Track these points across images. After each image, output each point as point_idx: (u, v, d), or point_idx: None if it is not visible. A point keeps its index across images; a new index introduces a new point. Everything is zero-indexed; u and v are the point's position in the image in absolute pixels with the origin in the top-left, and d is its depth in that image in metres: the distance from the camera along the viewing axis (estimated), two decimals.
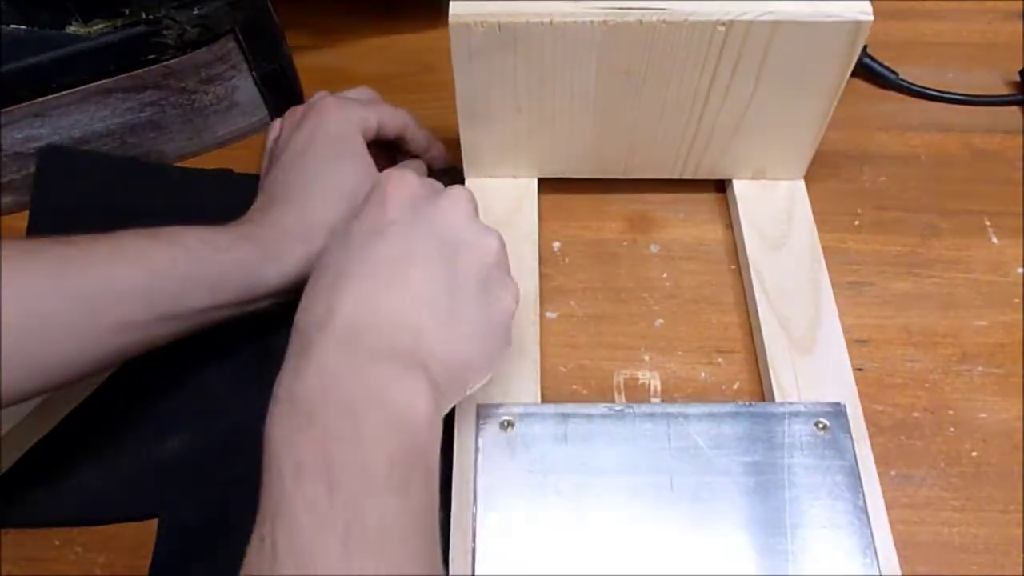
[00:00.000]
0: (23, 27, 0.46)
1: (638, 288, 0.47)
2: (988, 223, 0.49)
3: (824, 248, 0.46)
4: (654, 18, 0.38)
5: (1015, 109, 0.55)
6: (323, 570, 0.26)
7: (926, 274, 0.47)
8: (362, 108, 0.45)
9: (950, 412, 0.42)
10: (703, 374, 0.43)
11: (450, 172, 0.49)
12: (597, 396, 0.43)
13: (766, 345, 0.42)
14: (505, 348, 0.36)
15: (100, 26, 0.46)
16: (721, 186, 0.51)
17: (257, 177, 0.50)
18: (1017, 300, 0.46)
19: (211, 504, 0.39)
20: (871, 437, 0.39)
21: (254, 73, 0.52)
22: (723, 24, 0.38)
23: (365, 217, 0.34)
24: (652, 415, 0.39)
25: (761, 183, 0.49)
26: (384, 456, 0.28)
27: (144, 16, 0.46)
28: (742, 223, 0.47)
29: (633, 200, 0.50)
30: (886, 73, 0.56)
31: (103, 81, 0.47)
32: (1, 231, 0.49)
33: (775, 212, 0.48)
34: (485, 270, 0.34)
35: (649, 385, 0.43)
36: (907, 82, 0.56)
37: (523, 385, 0.41)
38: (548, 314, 0.45)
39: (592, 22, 0.38)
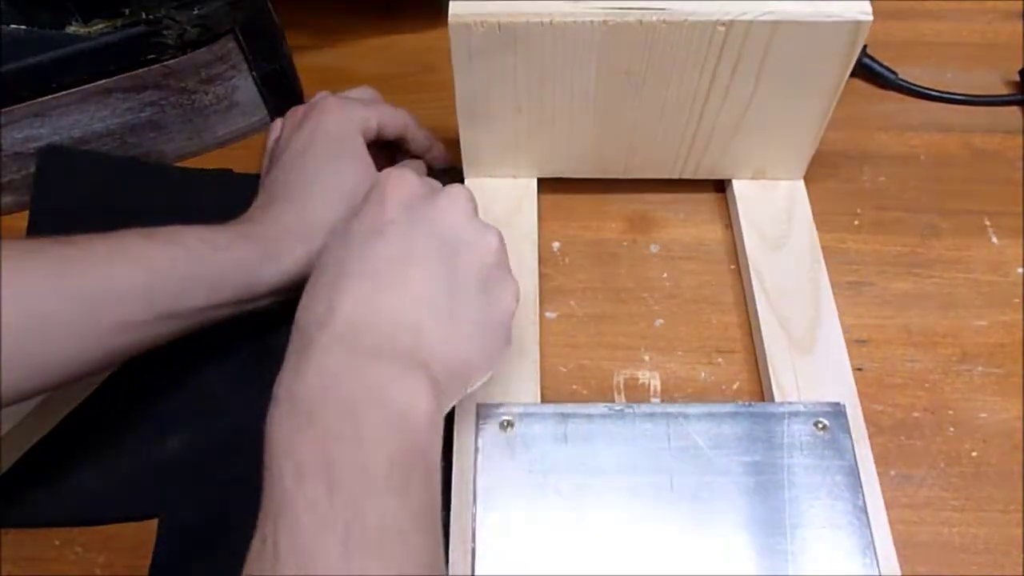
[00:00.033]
0: (23, 27, 0.46)
1: (638, 288, 0.47)
2: (988, 223, 0.49)
3: (824, 248, 0.46)
4: (654, 18, 0.38)
5: (1015, 109, 0.55)
6: (324, 570, 0.26)
7: (926, 274, 0.47)
8: (363, 108, 0.45)
9: (950, 412, 0.42)
10: (703, 374, 0.43)
11: (450, 172, 0.49)
12: (597, 396, 0.43)
13: (766, 345, 0.42)
14: (505, 347, 0.36)
15: (100, 26, 0.46)
16: (721, 186, 0.51)
17: (257, 177, 0.50)
18: (1017, 300, 0.46)
19: (211, 504, 0.39)
20: (871, 437, 0.39)
21: (254, 73, 0.52)
22: (723, 24, 0.38)
23: (364, 217, 0.34)
24: (652, 415, 0.39)
25: (761, 183, 0.49)
26: (384, 456, 0.28)
27: (144, 16, 0.46)
28: (742, 223, 0.47)
29: (633, 200, 0.50)
30: (886, 73, 0.56)
31: (103, 81, 0.47)
32: (1, 231, 0.49)
33: (775, 212, 0.48)
34: (485, 269, 0.34)
35: (649, 385, 0.43)
36: (907, 82, 0.56)
37: (523, 385, 0.41)
38: (548, 314, 0.45)
39: (592, 22, 0.38)
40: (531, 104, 0.43)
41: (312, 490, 0.27)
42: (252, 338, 0.43)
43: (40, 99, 0.46)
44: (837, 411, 0.39)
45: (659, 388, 0.43)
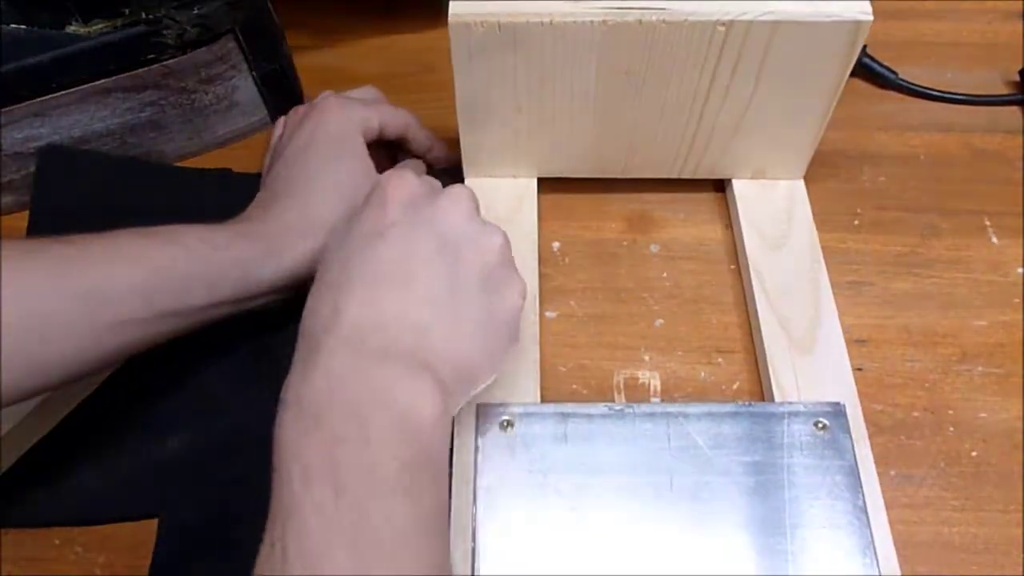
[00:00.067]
0: (23, 27, 0.46)
1: (638, 288, 0.47)
2: (988, 223, 0.49)
3: (824, 248, 0.46)
4: (654, 18, 0.38)
5: (1015, 109, 0.55)
6: (332, 572, 0.26)
7: (926, 274, 0.47)
8: (364, 108, 0.45)
9: (950, 412, 0.42)
10: (703, 374, 0.43)
11: (450, 172, 0.49)
12: (597, 396, 0.43)
13: (766, 345, 0.42)
14: (511, 345, 0.36)
15: (100, 26, 0.46)
16: (721, 186, 0.51)
17: (257, 176, 0.50)
18: (1017, 300, 0.46)
19: (211, 504, 0.39)
20: (871, 437, 0.39)
21: (254, 73, 0.52)
22: (723, 24, 0.38)
23: (366, 219, 0.34)
24: (652, 415, 0.39)
25: (761, 183, 0.49)
26: (391, 458, 0.28)
27: (144, 16, 0.46)
28: (742, 223, 0.47)
29: (633, 200, 0.50)
30: (886, 73, 0.56)
31: (103, 81, 0.47)
32: (1, 231, 0.49)
33: (775, 212, 0.48)
34: (488, 268, 0.34)
35: (649, 385, 0.43)
36: (907, 82, 0.56)
37: (523, 385, 0.41)
38: (548, 314, 0.45)
39: (592, 22, 0.38)
40: (531, 104, 0.43)
41: (319, 493, 0.27)
42: (252, 337, 0.43)
43: (40, 99, 0.46)
44: (837, 411, 0.39)
45: (659, 388, 0.43)
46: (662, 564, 0.35)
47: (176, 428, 0.41)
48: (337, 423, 0.28)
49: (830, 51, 0.40)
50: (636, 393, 0.43)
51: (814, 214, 0.48)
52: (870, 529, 0.36)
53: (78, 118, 0.48)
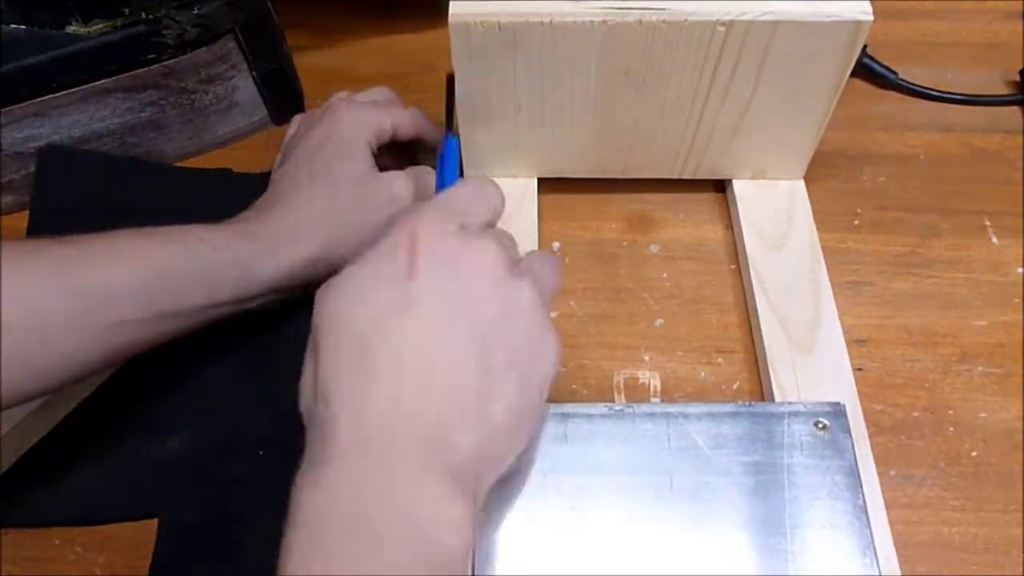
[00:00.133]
0: (23, 27, 0.46)
1: (638, 288, 0.47)
2: (988, 223, 0.49)
3: (824, 248, 0.46)
4: (654, 18, 0.38)
5: (1015, 109, 0.55)
6: None
7: (926, 274, 0.47)
8: (376, 112, 0.45)
9: (950, 412, 0.42)
10: (703, 374, 0.43)
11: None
12: (597, 396, 0.43)
13: (766, 345, 0.42)
14: (539, 421, 0.34)
15: (100, 26, 0.46)
16: (721, 186, 0.51)
17: (257, 176, 0.50)
18: (1017, 300, 0.46)
19: (211, 504, 0.39)
20: (871, 437, 0.39)
21: (254, 73, 0.52)
22: (723, 24, 0.38)
23: (387, 280, 0.30)
24: (652, 415, 0.39)
25: (761, 183, 0.49)
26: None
27: (144, 16, 0.46)
28: (742, 223, 0.47)
29: (633, 200, 0.50)
30: (886, 73, 0.56)
31: (103, 81, 0.47)
32: (1, 231, 0.49)
33: (775, 212, 0.48)
34: (519, 339, 0.31)
35: (649, 385, 0.43)
36: (907, 82, 0.56)
37: None
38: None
39: (592, 22, 0.38)
40: (531, 104, 0.43)
41: None
42: (251, 337, 0.43)
43: (40, 99, 0.46)
44: (837, 411, 0.39)
45: (659, 388, 0.43)
46: (662, 564, 0.35)
47: (176, 428, 0.41)
48: (347, 540, 0.26)
49: (830, 51, 0.40)
50: (636, 393, 0.43)
51: (814, 214, 0.48)
52: (870, 529, 0.36)
53: (78, 118, 0.48)
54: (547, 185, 0.50)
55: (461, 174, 0.46)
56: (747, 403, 0.39)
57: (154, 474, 0.40)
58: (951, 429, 0.41)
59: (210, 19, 0.47)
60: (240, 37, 0.49)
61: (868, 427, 0.40)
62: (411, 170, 0.45)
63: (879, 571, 0.35)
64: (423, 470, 0.28)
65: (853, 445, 0.38)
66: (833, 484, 0.37)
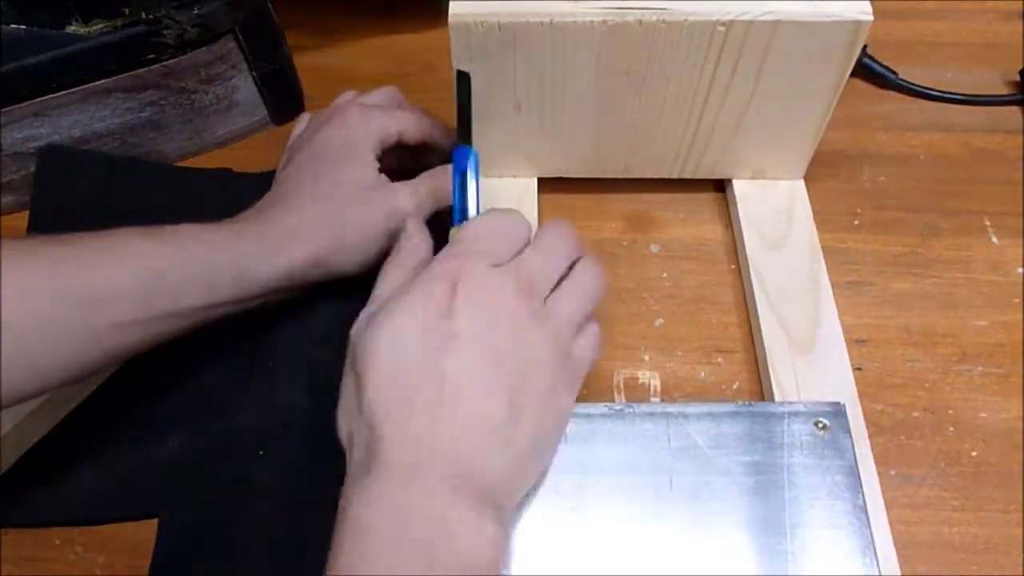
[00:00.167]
0: (23, 27, 0.46)
1: (638, 288, 0.47)
2: (988, 223, 0.49)
3: (824, 248, 0.46)
4: (654, 18, 0.38)
5: (1015, 109, 0.55)
6: None
7: (926, 274, 0.47)
8: (384, 117, 0.45)
9: (950, 412, 0.42)
10: (703, 374, 0.43)
11: None
12: (597, 396, 0.43)
13: (766, 345, 0.42)
14: (560, 442, 0.36)
15: (100, 26, 0.46)
16: (721, 186, 0.51)
17: (257, 176, 0.50)
18: (1017, 300, 0.46)
19: (211, 504, 0.39)
20: (871, 437, 0.39)
21: (254, 73, 0.52)
22: (723, 24, 0.38)
23: (429, 322, 0.33)
24: (652, 415, 0.39)
25: (761, 183, 0.49)
26: None
27: (144, 16, 0.46)
28: (742, 223, 0.47)
29: (633, 200, 0.50)
30: (886, 73, 0.56)
31: (103, 81, 0.47)
32: (1, 231, 0.49)
33: (775, 212, 0.48)
34: (550, 372, 0.34)
35: (649, 385, 0.43)
36: (907, 82, 0.56)
37: None
38: None
39: (592, 22, 0.38)
40: (531, 104, 0.43)
41: None
42: (251, 337, 0.43)
43: (40, 99, 0.46)
44: (837, 411, 0.39)
45: (659, 388, 0.43)
46: (662, 564, 0.35)
47: (176, 428, 0.41)
48: (387, 546, 0.29)
49: (830, 51, 0.40)
50: (636, 393, 0.43)
51: (814, 214, 0.48)
52: (870, 529, 0.36)
53: (78, 118, 0.48)
54: (547, 185, 0.50)
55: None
56: (747, 403, 0.39)
57: (154, 474, 0.40)
58: (951, 429, 0.41)
59: (210, 19, 0.47)
60: (240, 37, 0.49)
61: (868, 427, 0.40)
62: (426, 173, 0.45)
63: (879, 571, 0.35)
64: (455, 489, 0.31)
65: (853, 445, 0.38)
66: (833, 484, 0.37)
